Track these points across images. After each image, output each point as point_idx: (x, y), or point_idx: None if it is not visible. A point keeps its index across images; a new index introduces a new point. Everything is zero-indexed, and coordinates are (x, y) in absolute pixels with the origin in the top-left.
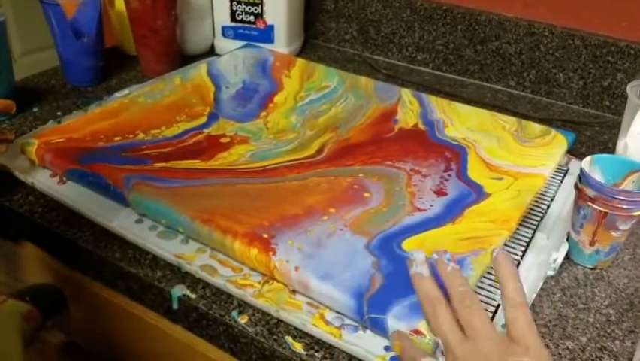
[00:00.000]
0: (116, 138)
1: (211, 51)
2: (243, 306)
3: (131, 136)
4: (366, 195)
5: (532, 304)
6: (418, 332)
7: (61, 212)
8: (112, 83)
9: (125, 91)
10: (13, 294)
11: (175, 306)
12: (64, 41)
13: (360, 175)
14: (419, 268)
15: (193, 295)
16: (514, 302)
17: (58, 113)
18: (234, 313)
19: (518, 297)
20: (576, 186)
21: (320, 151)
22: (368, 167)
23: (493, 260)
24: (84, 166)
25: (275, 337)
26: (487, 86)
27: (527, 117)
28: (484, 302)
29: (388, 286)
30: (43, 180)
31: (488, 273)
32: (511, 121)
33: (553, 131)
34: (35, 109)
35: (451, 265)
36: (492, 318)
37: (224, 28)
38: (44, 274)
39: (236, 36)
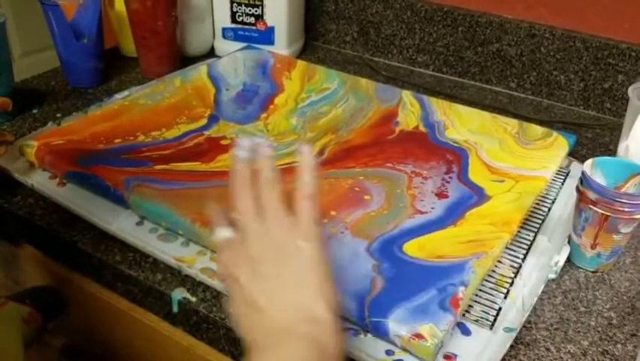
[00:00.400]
0: (116, 140)
1: (211, 53)
2: None
3: (131, 138)
4: (366, 197)
5: (534, 308)
6: (419, 336)
7: (61, 214)
8: (112, 85)
9: (125, 92)
10: (13, 297)
11: (175, 309)
12: (64, 42)
13: (361, 177)
14: (240, 151)
15: (193, 299)
16: (304, 194)
17: (58, 115)
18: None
19: (309, 190)
20: (577, 189)
21: (320, 153)
22: (369, 169)
23: (299, 152)
24: (84, 168)
25: None
26: (488, 88)
27: (528, 119)
28: (487, 305)
29: (389, 290)
30: (43, 182)
31: (490, 276)
32: (512, 123)
33: (555, 134)
34: (35, 110)
35: (268, 151)
36: (495, 319)
37: (224, 29)
38: (44, 277)
39: (237, 38)
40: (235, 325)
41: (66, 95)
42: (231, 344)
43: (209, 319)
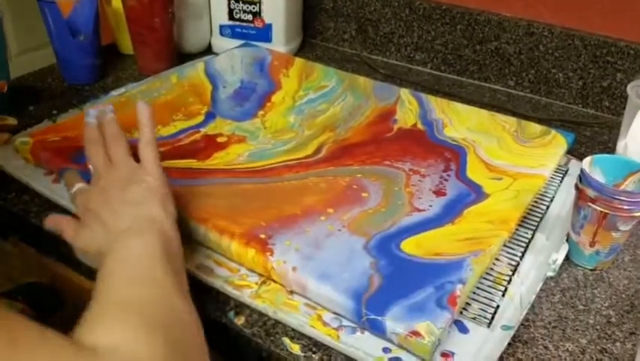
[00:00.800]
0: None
1: (208, 50)
2: (240, 307)
3: (128, 135)
4: (364, 195)
5: (532, 305)
6: (416, 333)
7: (56, 211)
8: (108, 82)
9: (122, 89)
10: (5, 293)
11: None
12: (61, 39)
13: (359, 175)
14: (89, 119)
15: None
16: (146, 141)
17: (54, 112)
18: (231, 314)
19: (149, 137)
20: (576, 187)
21: (318, 151)
22: (367, 167)
23: (137, 108)
24: (79, 165)
25: (272, 338)
26: (486, 86)
27: (527, 117)
28: (484, 303)
29: (387, 287)
30: (38, 179)
31: (487, 274)
32: (510, 121)
33: (553, 132)
34: (31, 107)
35: (110, 115)
36: (492, 317)
37: (221, 26)
38: (38, 274)
39: (234, 35)
40: (79, 251)
41: (62, 92)
42: (227, 341)
43: (205, 317)
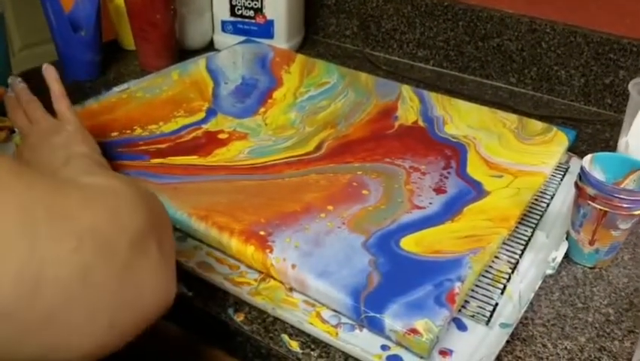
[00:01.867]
0: (113, 134)
1: (210, 46)
2: (239, 304)
3: (129, 132)
4: (364, 192)
5: (531, 303)
6: (415, 331)
7: None
8: (110, 78)
9: (124, 86)
10: None
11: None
12: (62, 35)
13: (359, 172)
14: (8, 93)
15: (189, 293)
16: (56, 97)
17: None
18: (230, 311)
19: (60, 91)
20: (576, 185)
21: (319, 147)
22: (367, 164)
23: (43, 71)
24: None
25: (271, 335)
26: (488, 83)
27: (528, 115)
28: (483, 301)
29: (386, 285)
30: None
31: (486, 271)
32: (511, 118)
33: (554, 129)
34: None
35: (21, 85)
36: (491, 315)
37: (223, 22)
38: None
39: (236, 31)
40: None
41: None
42: (226, 338)
43: (205, 313)
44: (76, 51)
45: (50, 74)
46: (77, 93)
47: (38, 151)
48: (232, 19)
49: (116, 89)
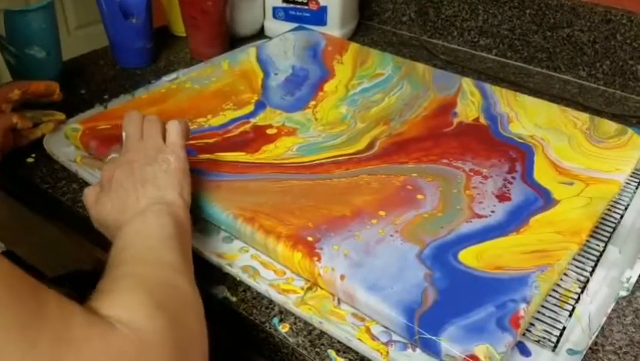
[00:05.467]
0: None
1: (261, 33)
2: (285, 313)
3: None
4: (419, 197)
5: (602, 328)
6: (474, 358)
7: None
8: (160, 65)
9: (173, 75)
10: (53, 279)
11: (216, 310)
12: (113, 22)
13: (414, 174)
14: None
15: (234, 299)
16: (174, 123)
17: (105, 97)
18: (275, 320)
19: (178, 122)
20: None
21: (371, 146)
22: (423, 165)
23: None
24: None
25: (317, 350)
26: (556, 76)
27: (599, 112)
28: (549, 324)
29: (442, 303)
30: (87, 168)
31: (553, 290)
32: (583, 118)
33: (630, 131)
34: (83, 91)
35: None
36: (558, 339)
37: (275, 9)
38: (87, 261)
39: (288, 17)
40: (97, 221)
41: (114, 76)
42: (271, 349)
43: (249, 321)
44: (127, 38)
45: (171, 123)
46: (127, 81)
47: (130, 175)
48: (284, 5)
49: (165, 78)
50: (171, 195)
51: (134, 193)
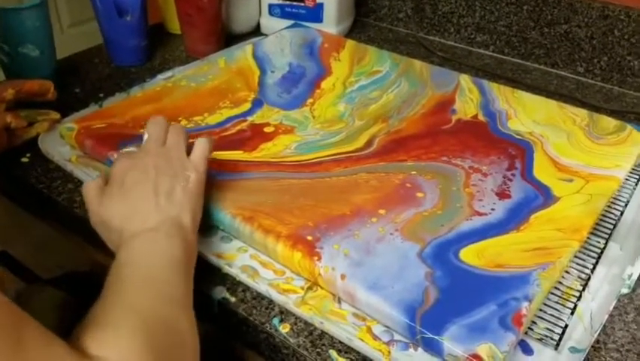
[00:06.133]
0: None
1: (257, 30)
2: (285, 313)
3: (172, 123)
4: (419, 195)
5: (604, 325)
6: (477, 357)
7: None
8: (155, 63)
9: (169, 73)
10: (50, 281)
11: (215, 310)
12: (107, 19)
13: (413, 172)
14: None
15: (233, 299)
16: (203, 140)
17: (100, 95)
18: (275, 320)
19: (206, 139)
20: None
21: (369, 144)
22: (422, 163)
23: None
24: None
25: (318, 350)
26: (554, 72)
27: (597, 108)
28: (551, 322)
29: (444, 302)
30: (83, 167)
31: (555, 288)
32: (581, 114)
33: (629, 127)
34: (77, 90)
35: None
36: (560, 337)
37: (271, 6)
38: (83, 262)
39: (284, 14)
40: (97, 222)
41: (109, 74)
42: (271, 350)
43: (249, 322)
44: (122, 36)
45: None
46: (122, 79)
47: (144, 183)
48: (280, 2)
49: (160, 76)
50: (186, 218)
51: (148, 203)
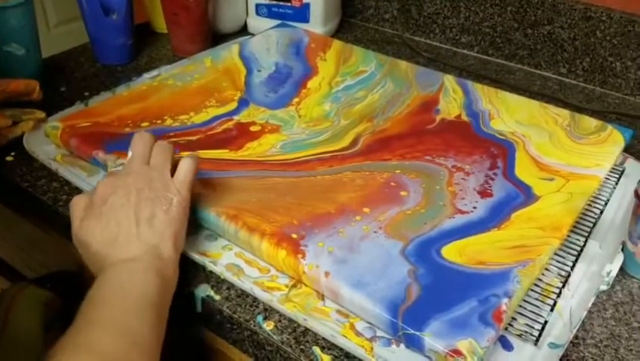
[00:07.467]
0: (144, 124)
1: (244, 30)
2: (269, 311)
3: (159, 122)
4: (403, 193)
5: (583, 322)
6: (457, 352)
7: None
8: (141, 63)
9: (154, 72)
10: (35, 280)
11: (199, 308)
12: (93, 18)
13: (398, 171)
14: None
15: (217, 297)
16: (188, 160)
17: (86, 94)
18: (259, 318)
19: (192, 160)
20: (636, 194)
21: (355, 143)
22: (406, 162)
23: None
24: (110, 153)
25: (302, 347)
26: (537, 73)
27: (579, 109)
28: (531, 318)
29: (426, 299)
30: (68, 166)
31: (535, 285)
32: (563, 114)
33: (610, 127)
34: (63, 88)
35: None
36: (540, 333)
37: (257, 5)
38: (68, 261)
39: (270, 14)
40: (77, 241)
41: (95, 73)
42: (255, 346)
43: (234, 319)
44: (107, 35)
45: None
46: (108, 78)
47: (126, 207)
48: (266, 1)
49: (146, 75)
50: (166, 248)
51: (128, 231)
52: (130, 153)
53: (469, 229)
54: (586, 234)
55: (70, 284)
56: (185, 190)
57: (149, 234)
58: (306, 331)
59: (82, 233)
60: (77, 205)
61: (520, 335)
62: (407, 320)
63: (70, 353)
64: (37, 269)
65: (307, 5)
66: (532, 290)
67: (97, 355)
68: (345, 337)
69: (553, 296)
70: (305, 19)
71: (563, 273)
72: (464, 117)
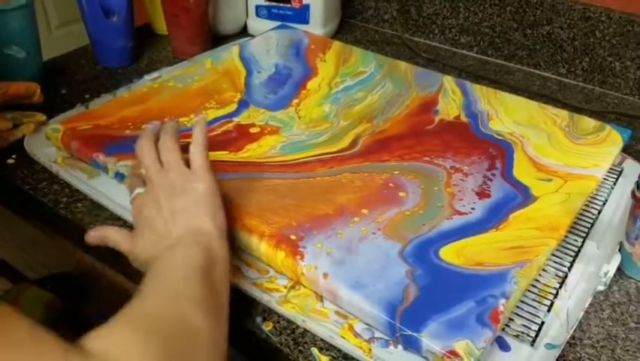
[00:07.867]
0: (144, 126)
1: (244, 31)
2: (268, 312)
3: (160, 122)
4: (401, 194)
5: (580, 322)
6: (454, 354)
7: (86, 203)
8: (142, 65)
9: (155, 74)
10: (36, 281)
11: None
12: (94, 20)
13: (396, 172)
14: (149, 125)
15: None
16: (197, 143)
17: (87, 96)
18: (258, 319)
19: (200, 140)
20: (633, 195)
21: (354, 144)
22: (405, 163)
23: (195, 122)
24: (111, 156)
25: (300, 348)
26: (536, 73)
27: (578, 109)
28: (528, 319)
29: (424, 300)
30: (69, 169)
31: (532, 285)
32: (562, 115)
33: (608, 127)
34: (64, 91)
35: (171, 124)
36: (537, 334)
37: (257, 7)
38: (69, 263)
39: (270, 16)
40: (135, 261)
41: (95, 75)
42: (254, 347)
43: (232, 320)
44: (108, 37)
45: (200, 122)
46: (109, 80)
47: (158, 210)
48: (266, 3)
49: (147, 77)
50: (206, 225)
51: (164, 227)
52: (143, 170)
53: (467, 230)
54: (583, 234)
55: (72, 286)
56: (206, 172)
57: (184, 220)
58: (305, 332)
59: (137, 251)
60: (123, 243)
61: (517, 336)
62: (405, 321)
63: (117, 319)
64: (38, 270)
65: (307, 7)
66: (529, 291)
67: (143, 310)
68: (344, 338)
69: (551, 297)
70: (305, 20)
71: (561, 273)
72: (463, 118)
